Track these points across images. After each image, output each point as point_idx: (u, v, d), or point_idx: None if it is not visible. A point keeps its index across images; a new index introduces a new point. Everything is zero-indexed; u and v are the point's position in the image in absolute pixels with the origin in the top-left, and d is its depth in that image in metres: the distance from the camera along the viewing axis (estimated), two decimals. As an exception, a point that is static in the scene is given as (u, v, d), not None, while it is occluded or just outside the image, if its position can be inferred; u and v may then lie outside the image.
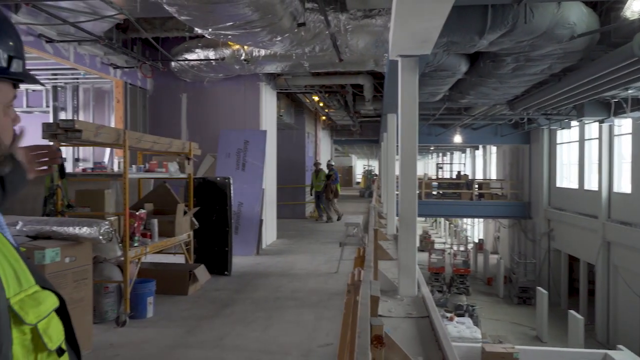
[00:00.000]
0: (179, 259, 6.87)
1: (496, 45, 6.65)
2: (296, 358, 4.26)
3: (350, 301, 2.27)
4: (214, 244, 7.28)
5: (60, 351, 0.89)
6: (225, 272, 7.23)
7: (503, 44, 6.54)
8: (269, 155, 9.59)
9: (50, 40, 6.43)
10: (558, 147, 18.72)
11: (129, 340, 4.62)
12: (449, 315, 14.12)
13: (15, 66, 0.97)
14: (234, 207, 7.91)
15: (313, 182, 14.66)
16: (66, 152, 9.02)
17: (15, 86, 1.01)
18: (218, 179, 7.53)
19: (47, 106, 10.07)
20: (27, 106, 10.26)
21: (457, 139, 20.66)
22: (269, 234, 10.22)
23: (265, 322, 5.21)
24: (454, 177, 27.63)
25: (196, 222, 6.62)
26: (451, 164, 36.93)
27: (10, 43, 0.97)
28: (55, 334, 0.88)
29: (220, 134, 9.19)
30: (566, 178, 18.45)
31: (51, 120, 9.21)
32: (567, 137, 18.23)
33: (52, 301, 0.90)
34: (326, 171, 14.65)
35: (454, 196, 23.09)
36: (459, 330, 12.93)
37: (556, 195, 18.64)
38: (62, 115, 9.88)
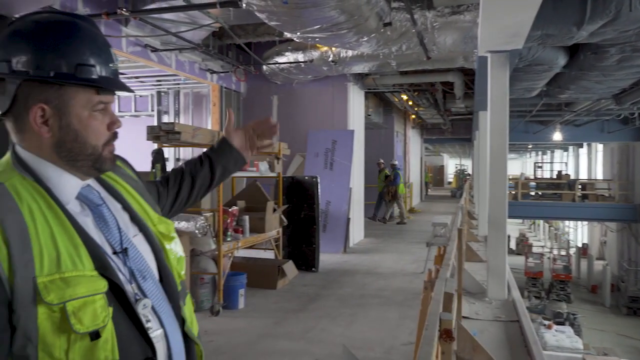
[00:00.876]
0: (269, 255, 7.17)
1: (597, 36, 6.19)
2: (378, 354, 4.30)
3: (427, 298, 2.29)
4: (302, 241, 7.50)
5: (95, 335, 0.91)
6: (313, 269, 7.42)
7: (605, 34, 6.07)
8: (356, 154, 9.67)
9: (154, 50, 6.99)
10: (675, 144, 17.01)
11: (222, 328, 4.92)
12: (547, 322, 13.29)
13: (88, 73, 0.99)
14: (321, 205, 8.08)
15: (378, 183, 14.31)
16: (168, 152, 9.71)
17: (99, 92, 1.02)
18: (306, 178, 7.74)
19: (152, 110, 10.91)
20: (135, 110, 11.19)
21: (557, 136, 19.37)
22: (356, 232, 10.30)
23: (349, 318, 5.30)
24: (554, 176, 25.98)
25: (285, 220, 6.87)
26: (551, 162, 34.72)
27: (78, 51, 0.99)
28: (88, 319, 0.91)
29: (308, 134, 9.42)
30: (685, 178, 16.71)
31: (155, 123, 9.98)
32: (686, 132, 16.51)
33: (90, 287, 0.92)
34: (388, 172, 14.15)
35: (554, 197, 21.72)
36: (558, 340, 12.13)
37: (673, 197, 16.95)
38: (165, 119, 10.64)
